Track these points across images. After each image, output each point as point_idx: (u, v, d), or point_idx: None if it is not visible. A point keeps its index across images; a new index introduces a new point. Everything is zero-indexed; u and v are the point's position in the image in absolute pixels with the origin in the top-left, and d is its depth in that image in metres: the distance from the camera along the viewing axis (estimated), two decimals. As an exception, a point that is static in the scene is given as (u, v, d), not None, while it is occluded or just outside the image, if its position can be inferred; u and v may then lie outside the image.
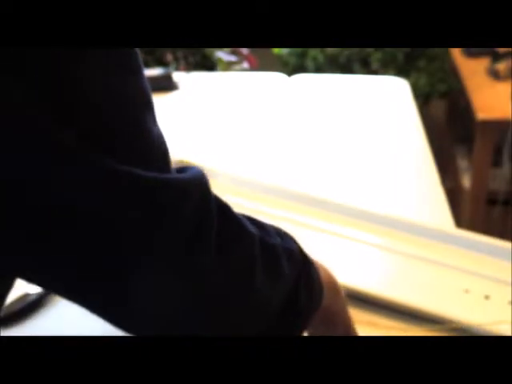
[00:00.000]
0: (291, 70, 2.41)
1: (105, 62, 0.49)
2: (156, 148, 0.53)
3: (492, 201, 2.28)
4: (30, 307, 0.97)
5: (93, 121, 0.48)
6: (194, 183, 0.55)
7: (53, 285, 0.55)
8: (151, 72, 1.63)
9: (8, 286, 0.57)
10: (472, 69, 2.33)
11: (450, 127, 2.70)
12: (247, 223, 0.63)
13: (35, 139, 0.46)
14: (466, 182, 2.35)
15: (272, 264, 0.65)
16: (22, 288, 0.98)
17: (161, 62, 1.83)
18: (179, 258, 0.55)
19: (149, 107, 0.53)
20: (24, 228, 0.48)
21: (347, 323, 0.77)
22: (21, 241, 0.49)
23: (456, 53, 2.43)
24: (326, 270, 0.75)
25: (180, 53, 1.86)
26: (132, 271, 0.53)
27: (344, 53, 2.45)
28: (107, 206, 0.50)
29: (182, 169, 0.57)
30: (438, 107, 2.72)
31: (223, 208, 0.60)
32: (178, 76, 1.65)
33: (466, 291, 1.00)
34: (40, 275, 0.53)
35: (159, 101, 1.52)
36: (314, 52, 2.46)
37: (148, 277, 0.54)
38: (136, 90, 0.52)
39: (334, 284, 0.75)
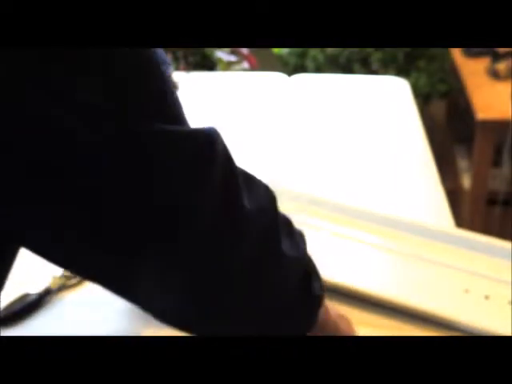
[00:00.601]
0: (291, 70, 2.41)
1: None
2: (177, 102, 0.55)
3: (492, 201, 2.28)
4: (29, 307, 0.97)
5: (125, 84, 0.49)
6: (217, 134, 0.56)
7: (52, 249, 0.54)
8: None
9: (7, 264, 0.56)
10: (472, 69, 2.33)
11: (450, 127, 2.69)
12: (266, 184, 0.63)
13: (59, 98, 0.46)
14: (466, 182, 2.35)
15: (291, 234, 0.66)
16: (22, 288, 0.98)
17: (161, 62, 1.83)
18: (216, 208, 0.55)
19: (164, 67, 0.54)
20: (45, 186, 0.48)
21: (336, 329, 0.76)
22: (40, 196, 0.49)
23: (456, 53, 2.43)
24: None
25: (180, 53, 1.86)
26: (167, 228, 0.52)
27: (344, 53, 2.44)
28: (142, 162, 0.50)
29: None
30: (438, 107, 2.72)
31: (239, 167, 0.61)
32: (178, 76, 1.65)
33: (466, 291, 1.00)
34: (42, 234, 0.52)
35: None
36: (314, 52, 2.45)
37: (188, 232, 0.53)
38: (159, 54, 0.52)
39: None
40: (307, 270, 0.68)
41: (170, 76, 0.54)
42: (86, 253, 0.53)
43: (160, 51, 0.53)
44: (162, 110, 0.52)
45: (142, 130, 0.50)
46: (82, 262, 0.54)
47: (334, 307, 0.75)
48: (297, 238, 0.67)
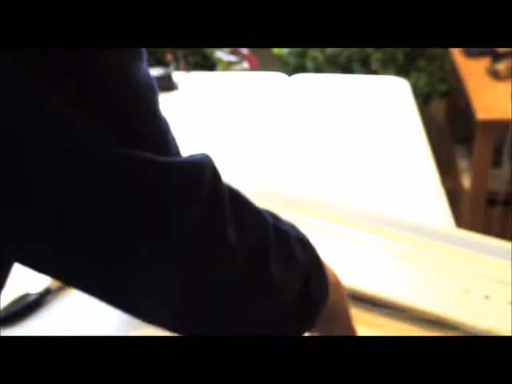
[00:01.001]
0: (291, 70, 2.41)
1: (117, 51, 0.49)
2: (164, 132, 0.54)
3: (492, 201, 2.28)
4: (29, 307, 0.97)
5: (106, 107, 0.49)
6: (205, 165, 0.56)
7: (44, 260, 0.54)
8: (151, 72, 1.63)
9: (7, 264, 0.56)
10: (472, 69, 2.33)
11: (450, 127, 2.70)
12: (259, 208, 0.63)
13: (49, 123, 0.46)
14: (466, 182, 2.35)
15: (286, 250, 0.65)
16: (22, 288, 0.98)
17: (161, 62, 1.83)
18: (195, 241, 0.55)
19: (154, 92, 0.54)
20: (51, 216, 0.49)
21: (348, 321, 0.77)
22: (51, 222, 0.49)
23: (456, 53, 2.43)
24: (328, 266, 0.75)
25: (180, 53, 1.86)
26: (144, 261, 0.53)
27: (344, 53, 2.44)
28: (123, 190, 0.50)
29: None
30: (438, 107, 2.72)
31: (233, 192, 0.61)
32: (177, 76, 1.65)
33: (466, 291, 1.00)
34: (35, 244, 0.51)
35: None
36: (313, 52, 2.45)
37: (164, 264, 0.54)
38: (145, 76, 0.52)
39: (337, 280, 0.76)
40: (306, 276, 0.68)
41: (157, 102, 0.54)
42: (76, 266, 0.53)
43: (148, 77, 0.53)
44: (152, 140, 0.52)
45: (126, 156, 0.49)
46: (75, 273, 0.54)
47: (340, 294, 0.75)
48: (292, 249, 0.66)
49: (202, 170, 0.55)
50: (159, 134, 0.54)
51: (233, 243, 0.58)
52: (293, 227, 0.69)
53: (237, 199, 0.61)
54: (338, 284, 0.75)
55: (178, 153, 0.56)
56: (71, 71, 0.47)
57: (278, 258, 0.63)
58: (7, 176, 0.47)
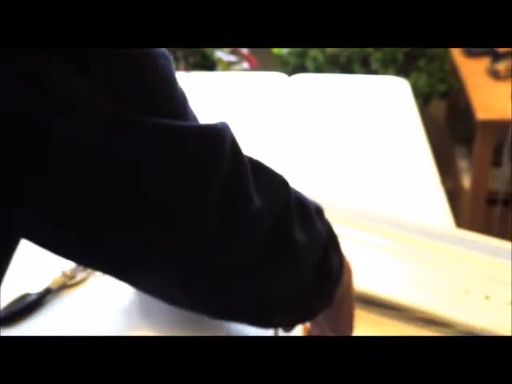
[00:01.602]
0: (291, 70, 2.41)
1: None
2: (183, 98, 0.55)
3: (492, 201, 2.28)
4: (29, 307, 0.97)
5: (128, 77, 0.49)
6: (226, 130, 0.56)
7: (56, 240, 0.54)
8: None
9: (7, 256, 0.56)
10: (472, 69, 2.33)
11: (450, 127, 2.69)
12: (280, 176, 0.64)
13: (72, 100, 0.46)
14: (466, 182, 2.35)
15: (307, 219, 0.65)
16: (22, 288, 0.98)
17: (161, 62, 1.83)
18: (219, 210, 0.55)
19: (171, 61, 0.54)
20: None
21: (353, 305, 0.78)
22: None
23: (456, 53, 2.43)
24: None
25: (180, 53, 1.86)
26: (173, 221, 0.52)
27: (344, 53, 2.44)
28: (147, 157, 0.50)
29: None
30: (438, 107, 2.72)
31: (253, 160, 0.61)
32: (177, 76, 1.65)
33: (466, 291, 1.00)
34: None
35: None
36: (314, 52, 2.45)
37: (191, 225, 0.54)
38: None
39: (346, 259, 0.76)
40: (325, 248, 0.68)
41: (172, 71, 0.54)
42: (92, 246, 0.53)
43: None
44: (167, 106, 0.52)
45: (148, 123, 0.50)
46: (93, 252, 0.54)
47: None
48: (312, 218, 0.66)
49: (223, 134, 0.55)
50: (178, 101, 0.54)
51: (258, 209, 0.58)
52: (310, 199, 0.69)
53: (257, 166, 0.61)
54: (347, 264, 0.75)
55: (195, 120, 0.56)
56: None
57: (301, 226, 0.63)
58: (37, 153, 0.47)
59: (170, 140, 0.51)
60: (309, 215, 0.66)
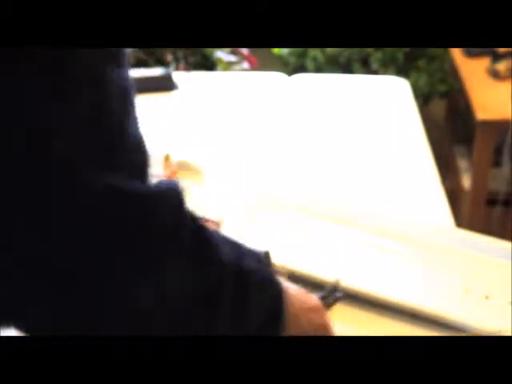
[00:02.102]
0: (291, 70, 2.41)
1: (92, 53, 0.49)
2: (134, 154, 0.53)
3: (492, 201, 2.28)
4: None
5: (78, 131, 0.49)
6: (169, 196, 0.55)
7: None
8: (151, 72, 1.63)
9: None
10: (472, 69, 2.33)
11: (450, 127, 2.69)
12: (224, 248, 0.61)
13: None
14: (466, 182, 2.35)
15: (242, 295, 0.62)
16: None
17: (161, 62, 1.83)
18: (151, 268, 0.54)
19: (131, 107, 0.53)
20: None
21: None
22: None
23: (456, 53, 2.43)
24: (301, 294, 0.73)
25: (180, 53, 1.86)
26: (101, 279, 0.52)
27: (344, 53, 2.44)
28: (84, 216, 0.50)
29: (160, 182, 0.56)
30: (438, 107, 2.72)
31: (199, 228, 0.59)
32: (177, 76, 1.65)
33: (466, 291, 1.00)
34: None
35: (159, 101, 1.52)
36: (314, 52, 2.45)
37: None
38: (121, 81, 0.52)
39: (311, 309, 0.73)
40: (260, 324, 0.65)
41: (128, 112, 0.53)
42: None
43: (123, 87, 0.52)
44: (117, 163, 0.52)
45: (94, 181, 0.50)
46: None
47: (301, 299, 0.72)
48: (251, 299, 0.64)
49: (169, 199, 0.55)
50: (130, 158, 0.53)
51: (182, 280, 0.56)
52: (263, 263, 0.66)
53: (200, 236, 0.59)
54: (312, 311, 0.73)
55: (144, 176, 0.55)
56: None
57: (228, 315, 0.61)
58: None
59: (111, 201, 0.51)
60: (246, 291, 0.63)
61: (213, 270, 0.59)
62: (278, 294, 0.66)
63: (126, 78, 0.52)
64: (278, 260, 0.93)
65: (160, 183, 0.55)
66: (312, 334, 0.71)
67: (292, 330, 0.68)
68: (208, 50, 1.91)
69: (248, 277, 0.63)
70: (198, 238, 0.58)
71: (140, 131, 0.54)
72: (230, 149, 1.39)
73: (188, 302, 0.58)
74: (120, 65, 0.51)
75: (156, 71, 1.63)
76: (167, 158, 1.19)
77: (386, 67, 2.43)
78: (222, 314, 0.60)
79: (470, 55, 2.37)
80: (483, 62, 2.32)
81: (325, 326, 0.74)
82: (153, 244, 0.54)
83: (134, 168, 0.54)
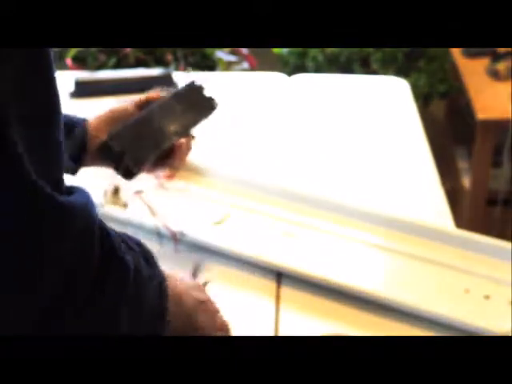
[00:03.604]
0: (291, 70, 2.41)
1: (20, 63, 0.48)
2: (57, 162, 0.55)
3: (492, 201, 2.28)
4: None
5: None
6: (80, 208, 0.56)
7: None
8: (151, 72, 1.63)
9: None
10: (472, 69, 2.33)
11: (450, 127, 2.69)
12: (127, 257, 0.63)
13: None
14: (466, 182, 2.35)
15: (138, 298, 0.64)
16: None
17: (161, 62, 1.83)
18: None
19: (58, 116, 0.53)
20: None
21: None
22: None
23: (456, 53, 2.43)
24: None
25: (180, 53, 1.86)
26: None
27: (344, 53, 2.44)
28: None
29: (71, 188, 0.57)
30: (438, 107, 2.72)
31: (106, 238, 0.61)
32: (177, 76, 1.65)
33: (466, 291, 1.00)
34: None
35: (159, 101, 1.51)
36: (314, 52, 2.45)
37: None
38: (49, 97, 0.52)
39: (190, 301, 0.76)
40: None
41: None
42: None
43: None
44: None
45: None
46: None
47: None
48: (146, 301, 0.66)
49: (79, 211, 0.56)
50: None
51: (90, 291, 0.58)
52: (151, 263, 0.69)
53: (108, 249, 0.61)
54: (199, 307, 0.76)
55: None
56: None
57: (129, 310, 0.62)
58: None
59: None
60: (143, 294, 0.65)
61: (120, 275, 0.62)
62: (162, 278, 0.71)
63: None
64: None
65: (73, 191, 0.57)
66: (198, 308, 0.76)
67: (178, 307, 0.72)
68: (208, 50, 1.91)
69: (141, 273, 0.66)
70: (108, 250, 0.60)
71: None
72: (229, 149, 1.39)
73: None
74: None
75: (156, 71, 1.63)
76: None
77: (385, 67, 2.43)
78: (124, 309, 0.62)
79: (470, 55, 2.37)
80: (483, 62, 2.32)
81: (209, 300, 0.80)
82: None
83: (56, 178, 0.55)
